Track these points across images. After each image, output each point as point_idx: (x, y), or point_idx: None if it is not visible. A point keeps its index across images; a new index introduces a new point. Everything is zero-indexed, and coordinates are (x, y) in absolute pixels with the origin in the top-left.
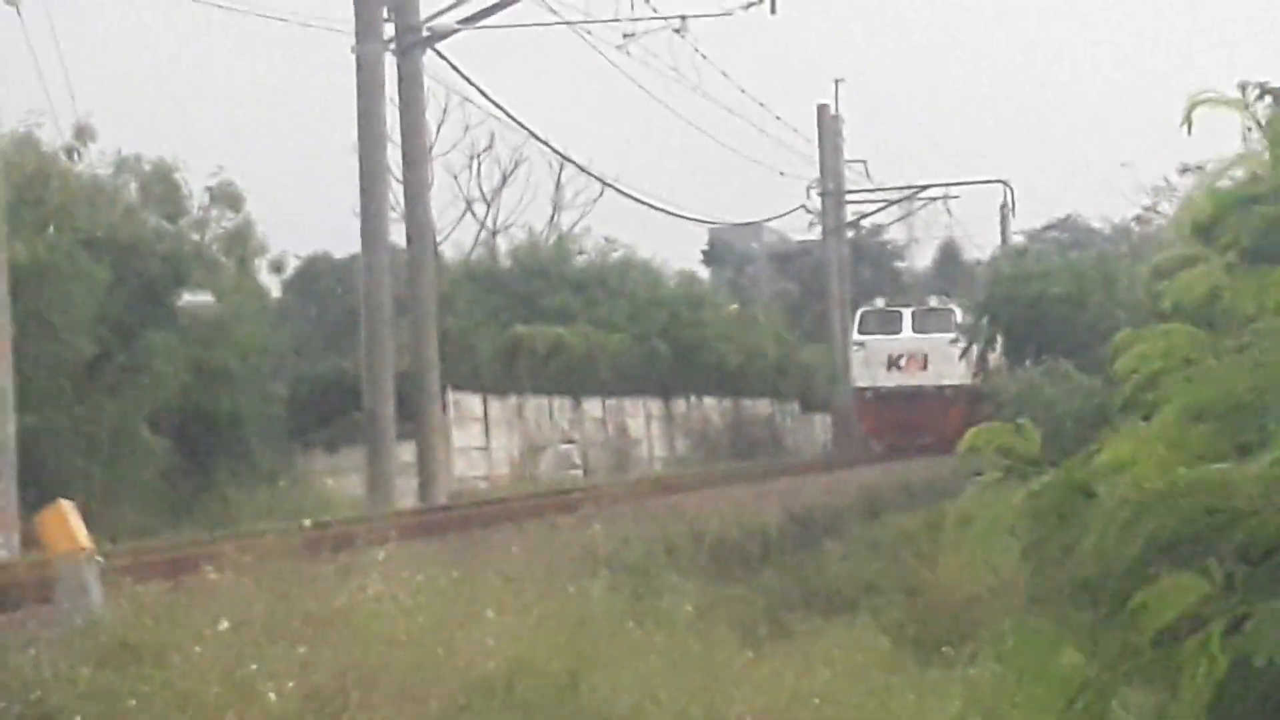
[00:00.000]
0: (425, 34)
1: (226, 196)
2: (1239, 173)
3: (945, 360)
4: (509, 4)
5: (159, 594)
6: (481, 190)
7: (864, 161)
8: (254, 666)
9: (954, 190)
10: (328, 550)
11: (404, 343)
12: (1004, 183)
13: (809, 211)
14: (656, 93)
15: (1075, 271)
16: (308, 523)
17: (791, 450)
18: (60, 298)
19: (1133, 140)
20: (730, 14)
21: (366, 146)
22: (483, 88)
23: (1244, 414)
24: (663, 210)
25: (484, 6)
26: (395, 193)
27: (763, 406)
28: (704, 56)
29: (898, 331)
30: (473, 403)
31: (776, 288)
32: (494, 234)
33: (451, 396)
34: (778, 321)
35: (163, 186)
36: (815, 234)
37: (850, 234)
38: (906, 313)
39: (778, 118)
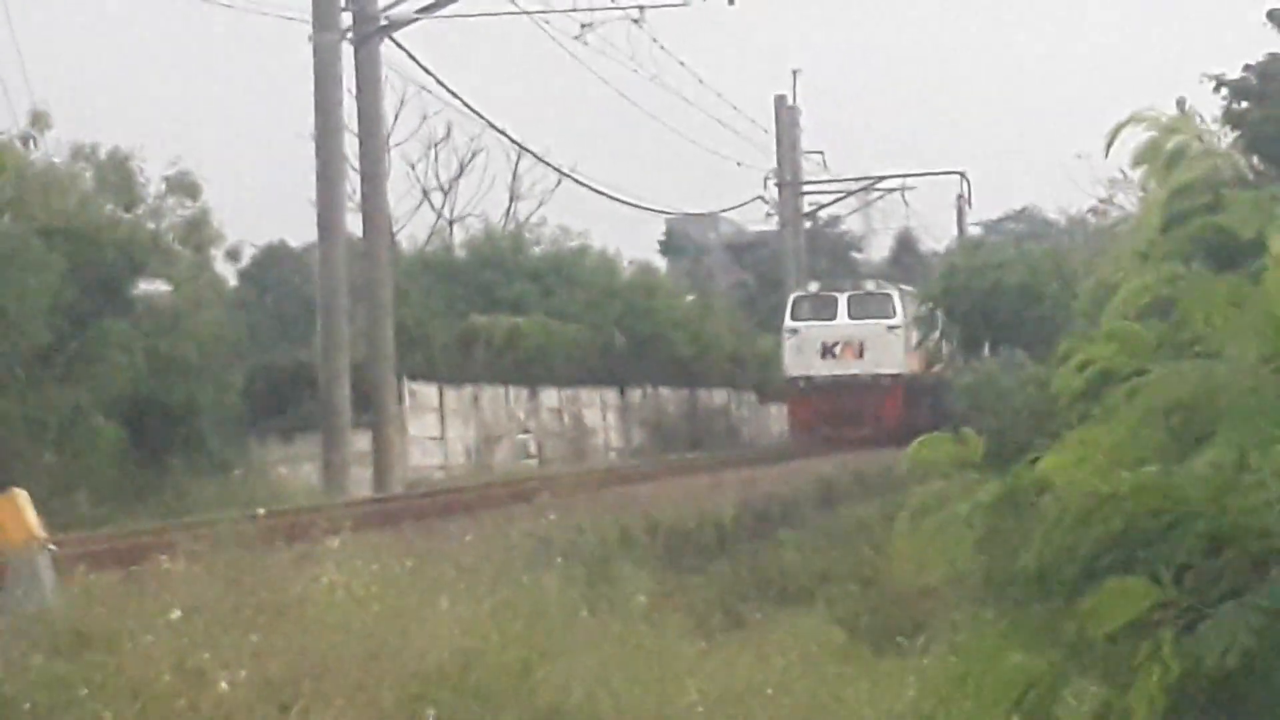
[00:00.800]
0: (383, 23)
1: (183, 185)
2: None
3: (883, 348)
4: None
5: (112, 583)
6: (439, 180)
7: (821, 152)
8: (206, 655)
9: (911, 181)
10: (282, 539)
11: (360, 332)
12: (961, 174)
13: (766, 202)
14: (614, 83)
15: (1030, 263)
16: (262, 511)
17: (747, 440)
18: (14, 286)
19: (1088, 132)
20: (688, 4)
21: (323, 136)
22: (440, 77)
23: (1194, 416)
24: (620, 200)
25: None
26: (352, 182)
27: (719, 396)
28: (662, 47)
29: (833, 318)
30: (429, 392)
31: (733, 278)
32: (451, 224)
33: (407, 386)
34: (734, 312)
35: (118, 175)
36: (772, 225)
37: (807, 225)
38: (842, 297)
39: (735, 108)
